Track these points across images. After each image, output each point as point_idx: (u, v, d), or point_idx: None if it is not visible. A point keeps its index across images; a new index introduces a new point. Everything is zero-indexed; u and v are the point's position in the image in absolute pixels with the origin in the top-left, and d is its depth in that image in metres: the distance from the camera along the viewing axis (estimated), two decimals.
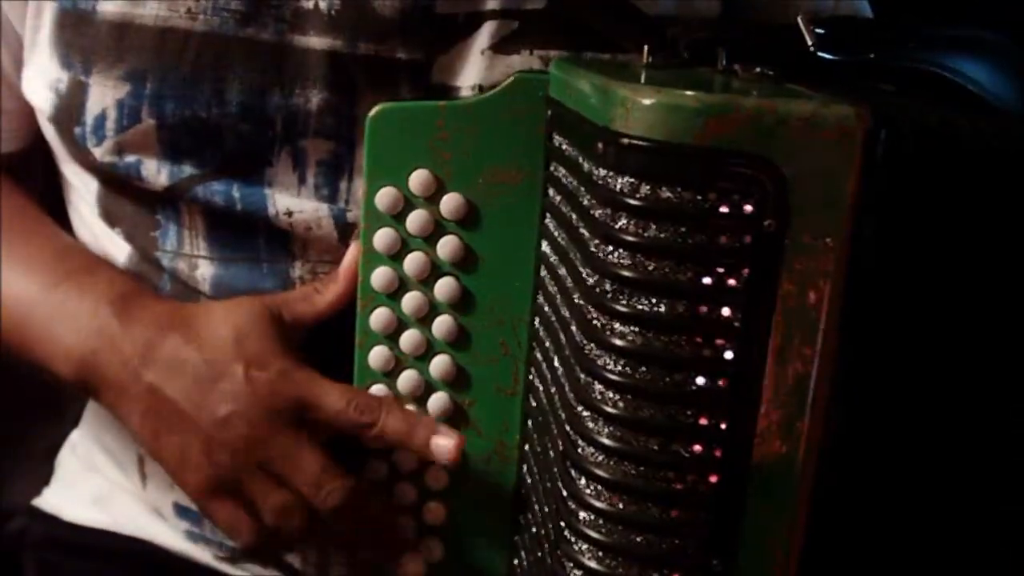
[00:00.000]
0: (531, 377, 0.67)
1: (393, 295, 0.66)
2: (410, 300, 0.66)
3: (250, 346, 0.64)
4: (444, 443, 0.65)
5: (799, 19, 0.65)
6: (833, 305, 0.50)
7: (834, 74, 0.64)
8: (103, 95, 0.68)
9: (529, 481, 0.66)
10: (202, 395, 0.64)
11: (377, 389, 0.67)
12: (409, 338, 0.67)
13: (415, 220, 0.65)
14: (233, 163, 0.68)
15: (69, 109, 0.69)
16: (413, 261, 0.66)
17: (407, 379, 0.67)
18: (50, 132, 0.72)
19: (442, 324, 0.67)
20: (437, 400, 0.68)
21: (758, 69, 0.59)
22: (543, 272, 0.65)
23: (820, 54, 0.65)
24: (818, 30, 0.66)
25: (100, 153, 0.69)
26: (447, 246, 0.66)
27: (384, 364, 0.67)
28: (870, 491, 0.53)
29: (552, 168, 0.63)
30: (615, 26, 0.67)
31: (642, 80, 0.58)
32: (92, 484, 0.81)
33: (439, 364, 0.67)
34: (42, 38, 0.70)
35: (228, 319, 0.65)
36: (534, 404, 0.66)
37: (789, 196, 0.49)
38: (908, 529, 0.53)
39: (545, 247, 0.64)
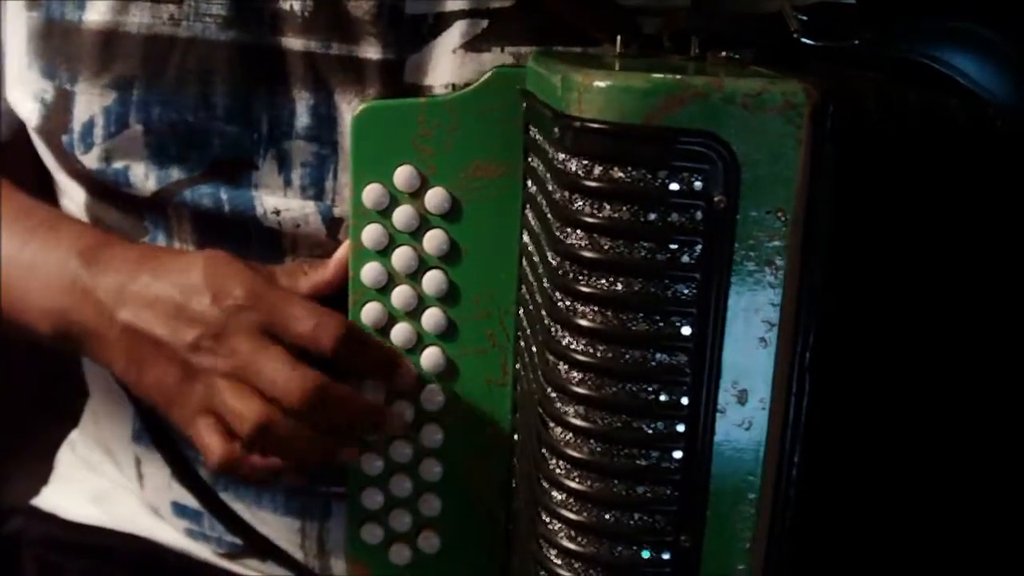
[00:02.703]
0: (518, 367, 0.68)
1: (382, 290, 0.68)
2: (399, 294, 0.68)
3: (219, 277, 0.66)
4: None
5: (783, 4, 0.66)
6: (791, 279, 0.51)
7: (814, 60, 0.65)
8: (90, 103, 0.70)
9: (519, 470, 0.67)
10: (174, 322, 0.65)
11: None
12: (399, 331, 0.68)
13: (401, 215, 0.67)
14: (220, 166, 0.69)
15: (56, 118, 0.71)
16: (400, 256, 0.67)
17: (400, 372, 0.69)
18: (38, 141, 0.75)
19: (431, 317, 0.68)
20: (429, 393, 0.69)
21: (724, 54, 0.60)
22: (524, 263, 0.66)
23: (804, 40, 0.66)
24: (801, 16, 0.66)
25: (88, 160, 0.71)
26: (433, 240, 0.67)
27: None
28: (841, 466, 0.53)
29: (529, 159, 0.64)
30: (587, 16, 0.68)
31: (625, 65, 0.59)
32: (91, 483, 0.83)
33: (429, 356, 0.69)
34: (15, 47, 0.72)
35: (199, 259, 0.67)
36: (521, 393, 0.67)
37: (739, 172, 0.49)
38: (879, 503, 0.54)
39: (525, 238, 0.65)
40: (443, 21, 0.68)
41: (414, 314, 0.68)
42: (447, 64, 0.68)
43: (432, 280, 0.68)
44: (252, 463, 0.67)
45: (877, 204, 0.51)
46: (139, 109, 0.69)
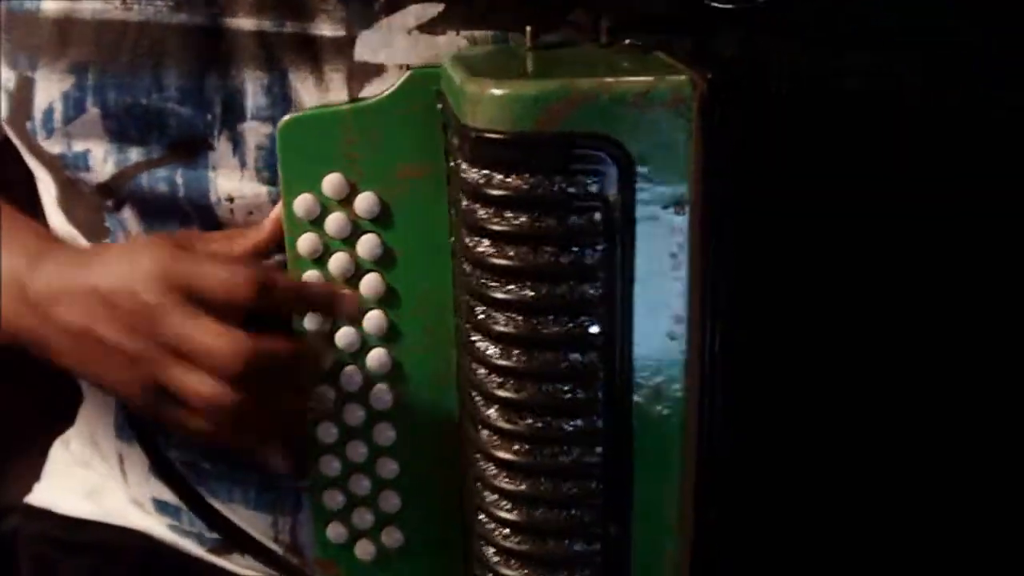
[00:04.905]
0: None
1: None
2: None
3: (135, 255, 0.66)
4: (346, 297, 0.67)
5: None
6: (695, 271, 0.51)
7: (726, 26, 0.64)
8: (49, 88, 0.71)
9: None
10: (104, 311, 0.65)
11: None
12: (343, 336, 0.69)
13: (333, 223, 0.67)
14: (176, 148, 0.71)
15: (20, 105, 0.73)
16: (337, 262, 0.68)
17: (347, 375, 0.70)
18: (10, 132, 0.76)
19: (372, 320, 0.69)
20: (377, 393, 0.70)
21: (627, 41, 0.60)
22: (453, 264, 0.66)
23: (713, 4, 0.66)
24: None
25: (50, 145, 0.72)
26: (366, 244, 0.68)
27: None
28: (761, 449, 0.54)
29: (450, 161, 0.65)
30: (508, 7, 0.68)
31: (528, 64, 0.60)
32: (84, 478, 0.84)
33: (375, 358, 0.69)
34: None
35: (122, 246, 0.68)
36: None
37: (634, 170, 0.50)
38: (801, 484, 0.54)
39: (452, 239, 0.66)
40: (397, 1, 0.69)
41: (356, 318, 0.69)
42: (401, 44, 0.69)
43: (369, 283, 0.68)
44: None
45: (776, 190, 0.51)
46: (95, 93, 0.70)
